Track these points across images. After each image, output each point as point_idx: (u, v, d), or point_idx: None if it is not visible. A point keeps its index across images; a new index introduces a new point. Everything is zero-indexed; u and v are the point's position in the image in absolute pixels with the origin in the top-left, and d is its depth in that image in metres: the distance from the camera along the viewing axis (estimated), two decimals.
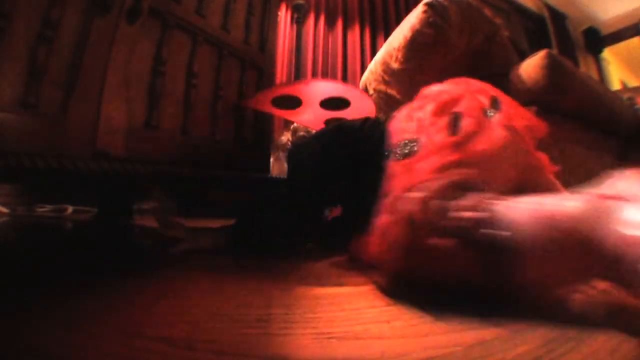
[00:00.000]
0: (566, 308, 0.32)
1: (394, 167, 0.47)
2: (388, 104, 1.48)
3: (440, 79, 1.26)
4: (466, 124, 0.46)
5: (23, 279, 0.41)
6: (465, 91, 0.53)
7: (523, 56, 1.13)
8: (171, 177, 0.52)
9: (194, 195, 1.30)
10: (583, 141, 1.15)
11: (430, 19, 1.07)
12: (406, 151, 0.48)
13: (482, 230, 0.34)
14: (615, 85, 3.82)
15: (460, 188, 0.39)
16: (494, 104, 0.50)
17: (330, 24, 2.20)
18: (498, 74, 1.14)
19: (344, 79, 2.13)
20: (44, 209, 1.34)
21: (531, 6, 3.63)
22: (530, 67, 1.03)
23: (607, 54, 3.94)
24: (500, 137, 0.45)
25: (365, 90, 1.65)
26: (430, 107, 0.51)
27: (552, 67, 0.99)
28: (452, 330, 0.28)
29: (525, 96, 1.04)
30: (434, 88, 0.59)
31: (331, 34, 2.19)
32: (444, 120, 0.48)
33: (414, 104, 0.56)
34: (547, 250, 0.32)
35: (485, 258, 0.34)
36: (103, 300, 0.34)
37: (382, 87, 1.45)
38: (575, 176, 1.08)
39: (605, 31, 3.89)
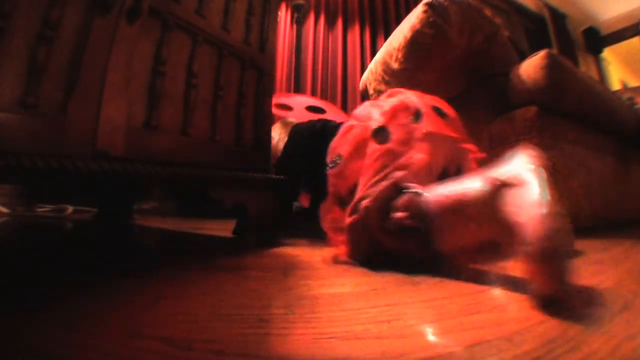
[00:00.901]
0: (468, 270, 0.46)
1: (329, 173, 0.65)
2: None
3: (440, 78, 1.27)
4: (394, 134, 0.60)
5: (23, 279, 0.41)
6: (392, 107, 0.65)
7: (523, 56, 1.13)
8: (171, 177, 0.52)
9: (194, 195, 1.32)
10: (583, 141, 1.15)
11: (431, 19, 1.07)
12: (333, 164, 0.66)
13: (410, 222, 0.48)
14: (615, 85, 3.82)
15: (397, 190, 0.53)
16: (417, 116, 0.63)
17: (330, 24, 2.20)
18: (498, 73, 1.15)
19: (344, 78, 2.13)
20: (44, 209, 1.34)
21: (531, 6, 3.63)
22: (530, 67, 1.03)
23: (607, 54, 3.94)
24: (424, 145, 0.58)
25: (366, 90, 1.65)
26: (357, 129, 0.67)
27: (552, 67, 0.99)
28: (452, 330, 0.28)
29: (525, 96, 1.04)
30: (362, 109, 0.73)
31: (331, 34, 2.19)
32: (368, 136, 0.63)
33: (349, 123, 0.72)
34: (454, 228, 0.46)
35: (415, 239, 0.48)
36: (103, 300, 0.34)
37: (382, 87, 1.45)
38: (575, 176, 1.08)
39: (605, 31, 3.89)
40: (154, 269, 0.49)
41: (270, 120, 0.81)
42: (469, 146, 0.64)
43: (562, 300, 0.33)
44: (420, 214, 0.47)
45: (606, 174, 1.26)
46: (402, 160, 0.57)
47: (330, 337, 0.26)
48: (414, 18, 1.14)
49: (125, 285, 0.39)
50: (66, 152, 0.41)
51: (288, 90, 1.98)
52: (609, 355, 0.23)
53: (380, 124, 0.63)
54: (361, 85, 1.72)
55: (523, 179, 0.40)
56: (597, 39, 3.87)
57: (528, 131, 1.00)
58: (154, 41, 0.55)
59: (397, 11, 2.34)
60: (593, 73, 3.76)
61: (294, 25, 1.91)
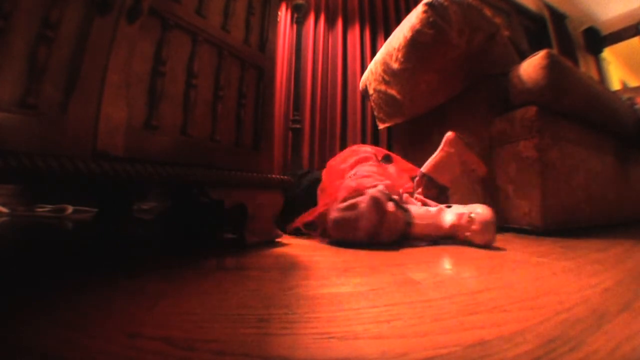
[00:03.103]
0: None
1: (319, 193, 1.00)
2: (388, 104, 1.48)
3: (440, 78, 1.26)
4: (363, 168, 1.00)
5: (23, 278, 0.41)
6: (369, 153, 1.10)
7: (523, 56, 1.13)
8: (171, 177, 0.52)
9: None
10: (583, 141, 1.15)
11: (431, 19, 1.07)
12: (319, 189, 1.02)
13: (401, 226, 0.78)
14: (615, 85, 3.82)
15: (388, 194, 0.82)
16: (387, 159, 1.12)
17: (330, 24, 2.20)
18: (498, 73, 1.15)
19: (344, 78, 2.13)
20: (44, 209, 1.34)
21: (531, 6, 3.63)
22: (531, 67, 1.03)
23: (607, 54, 3.94)
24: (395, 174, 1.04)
25: (366, 89, 1.65)
26: (348, 163, 1.06)
27: (552, 67, 0.99)
28: (452, 330, 0.28)
29: (525, 96, 1.04)
30: (360, 147, 1.20)
31: (331, 34, 2.19)
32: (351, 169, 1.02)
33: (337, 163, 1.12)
34: (421, 230, 0.79)
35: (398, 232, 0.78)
36: (103, 300, 0.34)
37: (382, 87, 1.45)
38: (575, 176, 1.08)
39: (605, 31, 3.89)
40: (154, 269, 0.49)
41: (271, 120, 0.81)
42: (409, 178, 1.09)
43: (489, 245, 0.70)
44: (405, 221, 0.78)
45: (606, 174, 1.26)
46: (385, 180, 0.92)
47: (330, 337, 0.26)
48: (414, 18, 1.14)
49: (125, 285, 0.39)
50: (66, 152, 0.41)
51: (288, 91, 1.98)
52: (609, 355, 0.23)
53: (385, 154, 1.11)
54: (361, 85, 1.72)
55: (480, 207, 0.76)
56: (597, 39, 3.87)
57: (528, 131, 1.00)
58: (154, 41, 0.55)
59: (397, 11, 2.34)
60: (593, 73, 3.76)
61: (294, 25, 1.91)
